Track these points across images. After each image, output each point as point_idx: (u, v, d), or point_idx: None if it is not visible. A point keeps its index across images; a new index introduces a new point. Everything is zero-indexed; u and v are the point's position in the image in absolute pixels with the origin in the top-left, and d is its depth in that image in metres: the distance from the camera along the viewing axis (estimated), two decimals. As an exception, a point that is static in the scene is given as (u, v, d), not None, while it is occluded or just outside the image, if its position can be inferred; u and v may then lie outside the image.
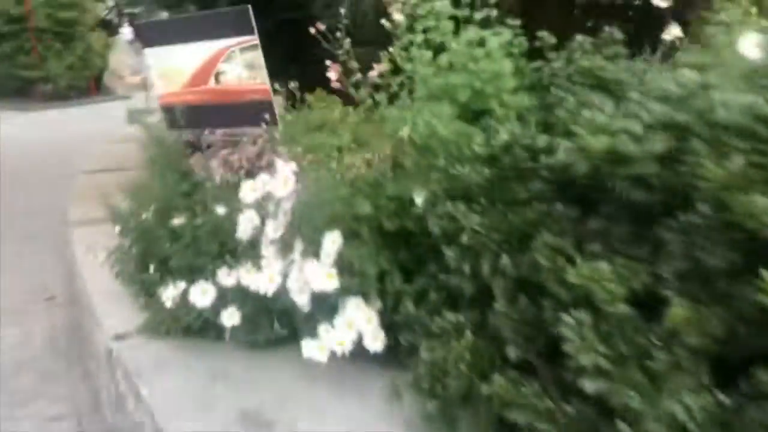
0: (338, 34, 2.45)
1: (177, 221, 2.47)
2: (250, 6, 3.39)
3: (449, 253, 1.69)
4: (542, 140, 1.70)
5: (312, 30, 2.55)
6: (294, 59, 7.00)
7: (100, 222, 4.18)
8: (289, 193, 1.97)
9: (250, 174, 4.37)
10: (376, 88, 2.33)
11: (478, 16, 1.99)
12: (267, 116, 3.55)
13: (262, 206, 2.26)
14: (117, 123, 11.92)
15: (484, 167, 1.70)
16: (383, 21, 2.17)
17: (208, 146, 5.94)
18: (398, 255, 2.13)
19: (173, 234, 2.57)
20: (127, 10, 38.45)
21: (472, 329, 1.72)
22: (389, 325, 2.09)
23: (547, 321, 1.53)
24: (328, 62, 2.94)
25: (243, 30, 3.41)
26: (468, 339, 1.69)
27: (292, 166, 1.99)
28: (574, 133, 1.48)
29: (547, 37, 2.20)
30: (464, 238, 1.61)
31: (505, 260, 1.59)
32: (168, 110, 3.87)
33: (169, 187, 2.84)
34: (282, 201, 2.03)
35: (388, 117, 2.09)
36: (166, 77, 3.80)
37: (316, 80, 5.03)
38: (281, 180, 1.98)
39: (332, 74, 2.31)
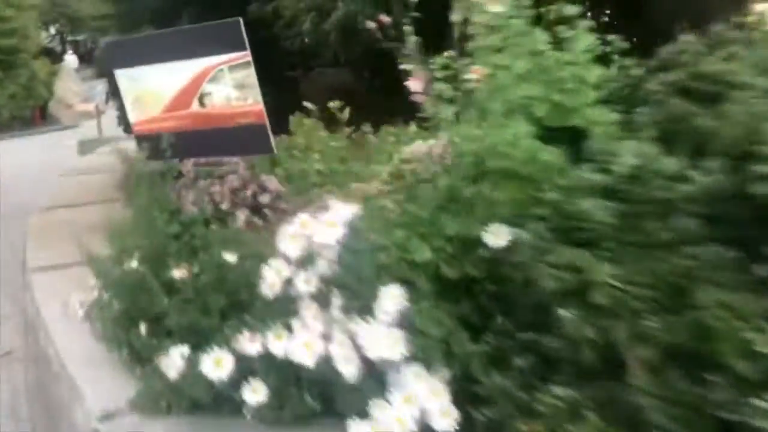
0: (405, 28, 2.04)
1: (178, 273, 2.03)
2: (241, 19, 2.99)
3: (567, 314, 1.30)
4: (671, 163, 1.33)
5: (372, 24, 2.14)
6: (265, 81, 6.58)
7: (63, 267, 3.69)
8: (338, 239, 1.57)
9: (236, 206, 3.94)
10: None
11: (571, 10, 1.62)
12: (260, 142, 3.15)
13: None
14: (67, 153, 11.29)
15: (604, 200, 1.33)
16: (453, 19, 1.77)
17: (178, 175, 5.48)
18: (459, 308, 1.74)
19: (169, 286, 2.13)
20: (70, 37, 37.43)
21: (594, 409, 1.33)
22: (455, 394, 1.69)
23: (716, 403, 1.16)
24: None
25: (233, 46, 3.00)
26: (592, 422, 1.31)
27: (353, 208, 1.58)
28: (751, 154, 1.11)
29: (618, 41, 1.86)
30: (596, 296, 1.23)
31: (651, 322, 1.22)
32: (144, 139, 3.42)
33: (157, 229, 2.40)
34: (324, 248, 1.62)
35: (457, 136, 1.69)
36: (141, 102, 3.36)
37: (289, 101, 4.62)
38: (327, 224, 1.58)
39: (415, 84, 1.87)
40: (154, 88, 3.27)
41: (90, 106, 10.20)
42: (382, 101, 8.15)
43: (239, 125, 3.12)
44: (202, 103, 3.18)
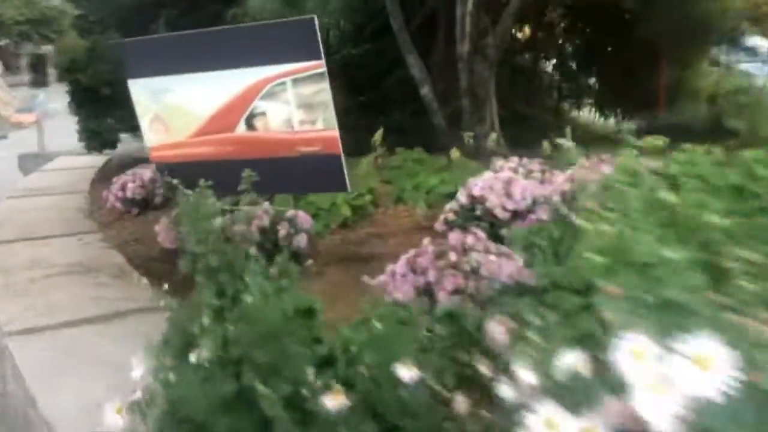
0: None
1: (331, 401, 1.32)
2: (315, 18, 2.31)
3: None
4: None
5: None
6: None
7: (49, 329, 2.89)
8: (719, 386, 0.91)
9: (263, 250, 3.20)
10: None
11: None
12: (331, 176, 2.46)
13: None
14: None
15: None
16: None
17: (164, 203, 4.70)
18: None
19: (292, 406, 1.42)
20: (-11, 41, 35.46)
21: None
22: None
23: None
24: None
25: (302, 52, 2.31)
26: None
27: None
28: None
29: None
30: None
31: None
32: (166, 169, 2.67)
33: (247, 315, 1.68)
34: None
35: None
36: (164, 121, 2.61)
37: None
38: (698, 360, 0.91)
39: None
40: (184, 103, 2.54)
41: (31, 117, 9.14)
42: (368, 120, 7.48)
43: (303, 155, 2.43)
44: (251, 126, 2.48)
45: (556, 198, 3.48)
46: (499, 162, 3.95)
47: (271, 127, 2.41)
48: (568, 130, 4.61)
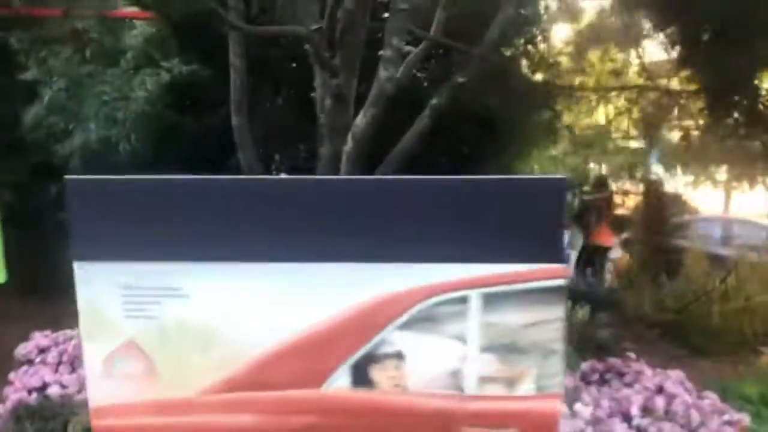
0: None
1: None
2: (565, 179, 1.13)
3: None
4: None
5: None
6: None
7: None
8: None
9: None
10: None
11: None
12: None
13: None
14: None
15: None
16: None
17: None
18: None
19: None
20: None
21: None
22: None
23: None
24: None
25: (522, 245, 1.12)
26: None
27: None
28: None
29: None
30: None
31: None
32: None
33: None
34: None
35: None
36: (146, 355, 1.22)
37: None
38: None
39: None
40: (206, 324, 1.20)
41: None
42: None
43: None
44: (362, 380, 1.20)
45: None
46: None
47: (412, 384, 1.16)
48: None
